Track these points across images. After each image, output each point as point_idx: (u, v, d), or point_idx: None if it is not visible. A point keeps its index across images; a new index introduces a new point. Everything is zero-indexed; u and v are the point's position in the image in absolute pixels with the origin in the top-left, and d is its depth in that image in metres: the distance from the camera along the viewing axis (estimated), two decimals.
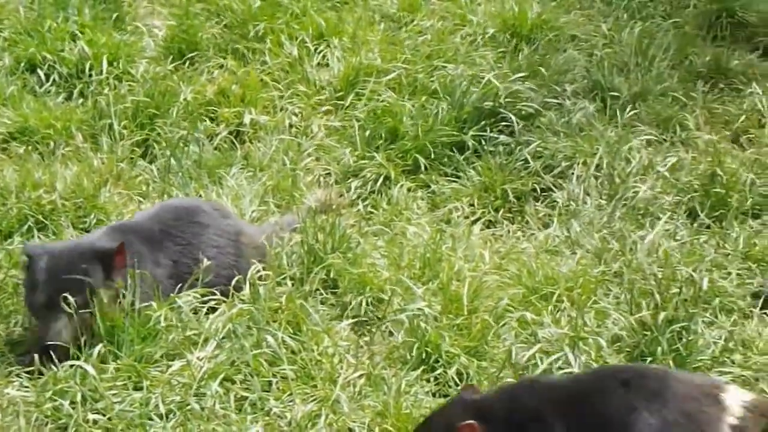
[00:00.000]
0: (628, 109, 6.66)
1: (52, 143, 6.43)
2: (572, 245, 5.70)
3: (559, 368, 4.62)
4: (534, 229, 5.95)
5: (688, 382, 3.96)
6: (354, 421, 4.43)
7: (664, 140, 6.57)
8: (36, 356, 4.65)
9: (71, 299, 4.68)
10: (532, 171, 6.26)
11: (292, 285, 5.21)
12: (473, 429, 3.79)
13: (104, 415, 4.39)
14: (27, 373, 4.66)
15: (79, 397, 4.42)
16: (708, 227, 5.84)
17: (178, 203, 5.65)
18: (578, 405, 3.90)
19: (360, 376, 4.66)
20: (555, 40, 7.45)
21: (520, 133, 6.48)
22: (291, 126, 6.84)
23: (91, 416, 4.38)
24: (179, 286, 5.04)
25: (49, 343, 4.66)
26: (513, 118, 6.53)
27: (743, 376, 4.72)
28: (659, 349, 4.72)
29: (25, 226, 5.66)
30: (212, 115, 6.84)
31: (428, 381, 4.69)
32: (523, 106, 6.63)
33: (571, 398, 3.94)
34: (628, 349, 4.81)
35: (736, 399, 3.88)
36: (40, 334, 4.72)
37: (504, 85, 6.72)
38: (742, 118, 6.74)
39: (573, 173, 6.20)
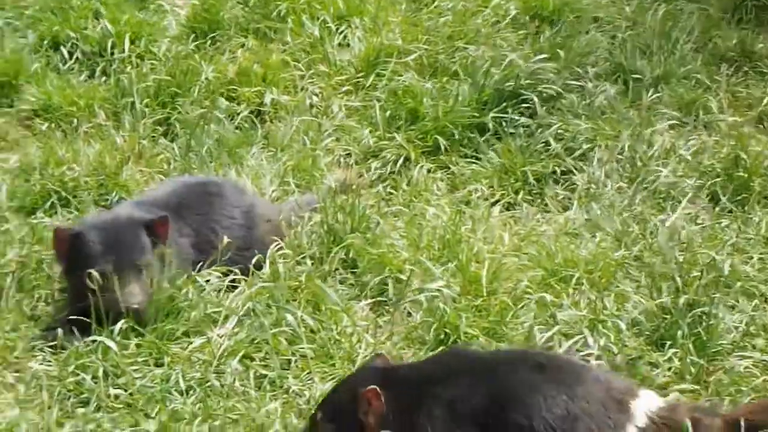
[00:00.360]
0: (650, 92, 6.64)
1: (75, 120, 6.47)
2: (592, 228, 5.68)
3: (578, 350, 4.62)
4: (554, 212, 5.93)
5: (602, 384, 3.91)
6: None
7: (687, 123, 6.54)
8: (60, 331, 4.69)
9: (140, 263, 4.79)
10: (552, 153, 6.24)
11: (312, 264, 5.23)
12: (375, 394, 3.83)
13: (125, 390, 4.43)
14: (50, 347, 4.70)
15: (101, 372, 4.46)
16: (730, 211, 5.82)
17: (189, 179, 5.72)
18: (487, 376, 3.90)
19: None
20: (577, 21, 7.44)
21: (541, 115, 6.46)
22: (311, 106, 6.85)
23: (112, 391, 4.41)
24: (202, 258, 5.10)
25: (126, 307, 4.70)
26: (534, 99, 6.51)
27: (764, 360, 4.70)
28: (679, 333, 4.71)
29: (49, 203, 5.72)
30: (233, 94, 6.85)
31: None
32: (544, 87, 6.61)
33: (481, 370, 3.95)
34: (647, 333, 4.80)
35: (644, 407, 3.87)
36: (113, 301, 4.71)
37: (525, 66, 6.70)
38: (766, 101, 6.72)
39: (594, 156, 6.18)
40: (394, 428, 3.86)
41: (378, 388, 3.84)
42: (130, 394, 4.41)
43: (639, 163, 6.10)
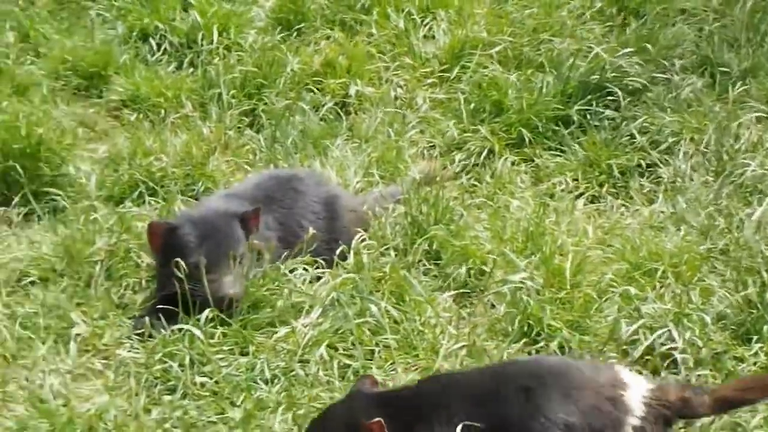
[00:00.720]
0: (738, 85, 6.57)
1: (162, 111, 6.56)
2: (678, 222, 5.64)
3: (662, 344, 4.59)
4: (639, 205, 5.89)
5: (590, 385, 3.85)
6: None
7: None
8: (147, 319, 4.77)
9: (235, 254, 4.86)
10: (637, 146, 6.19)
11: (396, 256, 5.26)
12: (380, 427, 3.68)
13: (211, 379, 4.49)
14: (138, 335, 4.79)
15: (187, 360, 4.52)
16: None
17: (274, 171, 5.78)
18: (486, 404, 3.84)
19: (461, 348, 4.68)
20: (664, 13, 7.37)
21: (626, 108, 6.43)
22: (396, 98, 6.87)
23: (198, 379, 4.48)
24: (287, 250, 5.15)
25: (222, 296, 4.78)
26: (619, 92, 6.48)
27: None
28: (765, 327, 4.67)
29: (136, 192, 5.80)
30: (318, 86, 6.89)
31: (529, 354, 4.69)
32: (629, 80, 6.57)
33: (475, 397, 3.87)
34: (733, 327, 4.76)
35: (637, 395, 3.84)
36: (206, 293, 4.77)
37: (611, 59, 6.67)
38: None
39: (680, 149, 6.13)
40: None
41: (382, 420, 3.71)
42: (216, 382, 4.48)
43: (725, 157, 6.04)
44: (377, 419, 3.68)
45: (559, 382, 3.86)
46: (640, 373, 4.36)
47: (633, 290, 4.92)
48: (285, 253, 5.13)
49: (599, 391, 3.83)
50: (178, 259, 4.77)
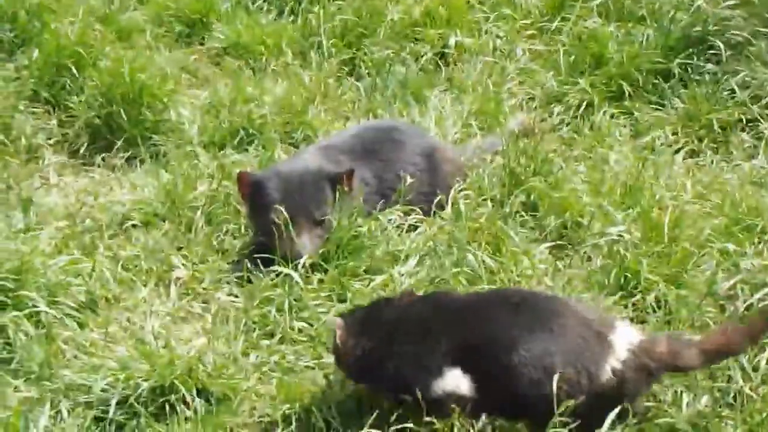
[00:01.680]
0: None
1: (263, 59, 6.60)
2: None
3: (761, 300, 4.55)
4: (738, 160, 5.82)
5: (580, 317, 3.90)
6: None
7: None
8: (247, 261, 4.84)
9: (315, 215, 4.90)
10: (738, 101, 6.12)
11: (493, 207, 5.26)
12: (340, 327, 4.01)
13: (309, 324, 4.54)
14: (236, 279, 4.86)
15: (286, 305, 4.57)
16: None
17: (373, 123, 5.82)
18: (468, 317, 3.94)
19: None
20: None
21: (728, 62, 6.35)
22: (495, 49, 6.87)
23: (296, 324, 4.53)
24: (382, 201, 5.16)
25: (294, 256, 4.80)
26: (721, 46, 6.40)
27: None
28: None
29: (237, 139, 5.87)
30: (418, 36, 6.90)
31: (626, 307, 4.67)
32: (732, 34, 6.48)
33: (459, 311, 3.98)
34: None
35: (624, 340, 3.87)
36: (283, 249, 4.84)
37: (713, 11, 6.58)
38: None
39: None
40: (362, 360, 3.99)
41: (344, 323, 4.01)
42: (314, 327, 4.53)
43: None
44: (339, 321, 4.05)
45: (551, 306, 3.96)
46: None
47: (732, 246, 4.88)
48: (382, 202, 5.16)
49: (588, 324, 3.89)
50: (266, 215, 4.88)
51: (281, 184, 4.97)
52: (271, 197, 4.94)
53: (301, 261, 4.75)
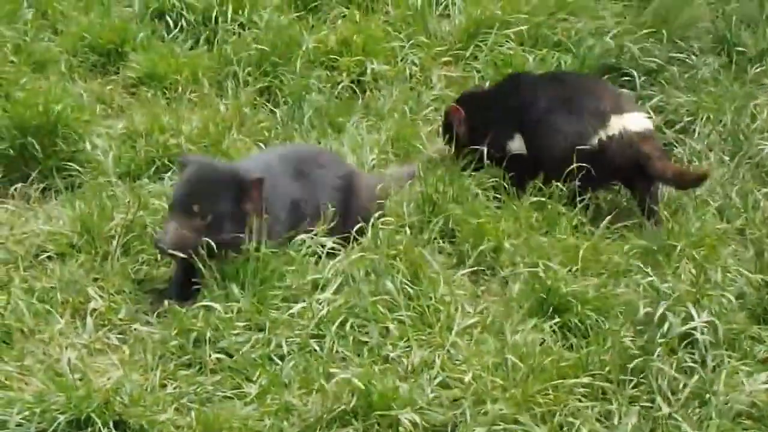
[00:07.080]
0: (755, 66, 6.57)
1: (179, 88, 6.56)
2: (695, 201, 5.64)
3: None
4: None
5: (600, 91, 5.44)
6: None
7: None
8: (167, 302, 4.79)
9: (194, 208, 4.82)
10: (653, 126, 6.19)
11: (411, 233, 5.25)
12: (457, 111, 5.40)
13: (227, 354, 4.48)
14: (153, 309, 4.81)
15: (205, 336, 4.51)
16: None
17: (290, 146, 5.84)
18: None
19: (475, 325, 4.68)
20: None
21: (642, 87, 6.43)
22: (411, 76, 6.88)
23: (214, 354, 4.47)
24: (301, 225, 5.11)
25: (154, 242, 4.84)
26: (635, 72, 6.47)
27: None
28: None
29: (153, 168, 5.81)
30: (334, 64, 6.89)
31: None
32: (646, 60, 6.57)
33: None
34: (749, 308, 4.75)
35: (623, 124, 4.89)
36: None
37: (627, 38, 6.66)
38: None
39: (695, 129, 6.14)
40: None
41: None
42: (232, 357, 4.47)
43: (741, 137, 6.04)
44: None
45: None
46: None
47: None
48: (300, 227, 5.11)
49: (598, 99, 5.35)
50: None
51: (191, 171, 4.94)
52: (177, 182, 5.00)
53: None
